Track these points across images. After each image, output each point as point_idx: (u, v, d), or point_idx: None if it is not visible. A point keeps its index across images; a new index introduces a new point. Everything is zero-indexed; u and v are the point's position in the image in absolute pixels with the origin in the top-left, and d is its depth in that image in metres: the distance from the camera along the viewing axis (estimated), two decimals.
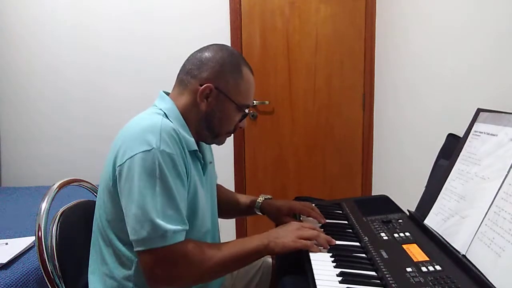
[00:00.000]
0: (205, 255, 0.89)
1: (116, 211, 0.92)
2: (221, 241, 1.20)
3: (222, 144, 1.11)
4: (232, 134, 1.11)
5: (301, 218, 1.20)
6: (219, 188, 1.34)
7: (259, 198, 1.28)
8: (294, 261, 0.97)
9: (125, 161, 0.87)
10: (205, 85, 0.98)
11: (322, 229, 1.06)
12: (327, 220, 1.16)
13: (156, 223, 0.83)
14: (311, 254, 0.92)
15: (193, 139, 0.99)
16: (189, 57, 1.05)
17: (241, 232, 2.69)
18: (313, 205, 1.24)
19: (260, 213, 1.28)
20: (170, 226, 0.84)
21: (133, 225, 0.85)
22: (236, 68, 1.01)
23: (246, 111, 1.07)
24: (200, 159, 1.04)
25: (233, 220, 2.65)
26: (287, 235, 0.95)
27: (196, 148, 1.00)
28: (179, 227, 0.86)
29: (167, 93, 1.06)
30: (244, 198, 1.33)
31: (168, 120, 0.96)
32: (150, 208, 0.84)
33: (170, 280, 0.87)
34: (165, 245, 0.84)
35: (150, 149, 0.86)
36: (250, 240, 0.94)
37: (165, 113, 0.98)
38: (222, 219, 1.25)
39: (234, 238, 2.67)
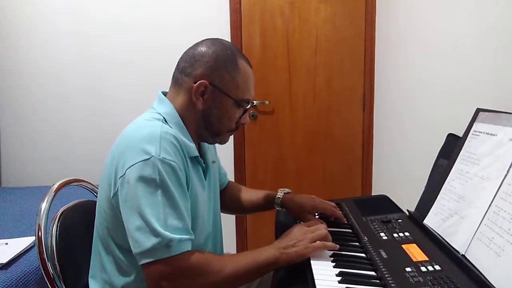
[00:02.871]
0: (215, 267, 0.85)
1: (117, 220, 0.90)
2: (222, 243, 1.19)
3: (225, 143, 1.06)
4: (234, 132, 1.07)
5: (300, 222, 1.16)
6: (232, 186, 1.31)
7: (279, 193, 1.22)
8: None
9: (124, 173, 0.85)
10: (199, 82, 0.94)
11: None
12: (327, 219, 1.16)
13: (160, 233, 0.80)
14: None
15: (193, 144, 0.96)
16: (182, 54, 1.01)
17: (241, 233, 2.68)
18: (316, 213, 1.21)
19: (279, 208, 1.23)
20: (174, 236, 0.81)
21: (137, 237, 0.81)
22: (231, 61, 0.96)
23: (247, 106, 1.02)
24: (201, 163, 1.01)
25: (233, 220, 2.65)
26: (298, 242, 0.91)
27: (197, 154, 0.97)
28: (184, 236, 0.83)
29: (165, 93, 1.03)
30: (259, 194, 1.28)
31: (168, 126, 0.92)
32: (152, 218, 0.81)
33: None
34: (171, 256, 0.81)
35: (149, 157, 0.83)
36: (261, 252, 0.90)
37: (164, 118, 0.95)
38: (225, 215, 1.24)
39: (234, 238, 2.67)
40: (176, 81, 1.00)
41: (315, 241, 0.93)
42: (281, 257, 0.89)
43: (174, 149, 0.87)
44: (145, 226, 0.81)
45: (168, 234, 0.80)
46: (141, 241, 0.81)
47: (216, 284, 0.85)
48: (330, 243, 0.92)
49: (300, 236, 0.93)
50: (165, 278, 0.81)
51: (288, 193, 1.24)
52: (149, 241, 0.80)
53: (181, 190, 0.87)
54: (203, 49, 0.97)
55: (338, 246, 0.93)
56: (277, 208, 1.24)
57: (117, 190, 0.87)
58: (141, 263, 0.82)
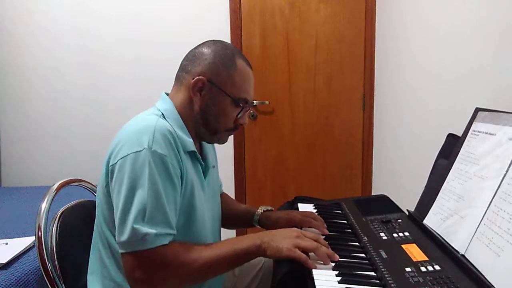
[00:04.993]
0: (190, 257, 0.86)
1: (112, 212, 0.91)
2: None
3: (223, 142, 1.07)
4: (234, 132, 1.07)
5: (302, 228, 1.12)
6: (224, 197, 1.30)
7: (259, 210, 1.21)
8: (293, 260, 0.96)
9: (117, 162, 0.87)
10: (196, 78, 0.97)
11: (325, 238, 1.01)
12: (327, 219, 1.15)
13: (134, 228, 0.82)
14: (310, 254, 0.90)
15: (191, 140, 0.98)
16: (186, 54, 1.04)
17: (241, 233, 2.67)
18: (315, 211, 1.19)
19: (258, 227, 1.20)
20: (151, 230, 0.82)
21: (117, 227, 0.85)
22: (229, 59, 0.98)
23: (246, 106, 1.02)
24: (200, 160, 1.02)
25: None
26: (284, 240, 0.88)
27: (194, 149, 0.98)
28: (162, 231, 0.84)
29: (168, 94, 1.05)
30: (245, 209, 1.26)
31: (165, 121, 0.94)
32: (132, 212, 0.83)
33: (151, 284, 0.85)
34: (146, 249, 0.82)
35: (141, 149, 0.86)
36: (241, 240, 0.90)
37: (162, 113, 0.97)
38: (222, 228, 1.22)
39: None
40: (177, 78, 1.04)
41: (301, 248, 0.87)
42: (261, 246, 0.87)
43: (167, 142, 0.89)
44: (123, 219, 0.84)
45: (144, 228, 0.82)
46: (119, 232, 0.84)
47: (189, 274, 0.86)
48: (310, 262, 0.85)
49: (290, 236, 0.89)
50: (140, 269, 0.83)
51: (268, 210, 1.21)
52: (126, 234, 0.83)
53: (170, 184, 0.88)
54: (203, 48, 1.01)
55: (316, 266, 0.86)
56: (256, 225, 1.21)
57: (109, 178, 0.90)
58: (120, 251, 0.85)
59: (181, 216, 0.93)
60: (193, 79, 0.97)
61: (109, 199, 0.92)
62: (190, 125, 1.00)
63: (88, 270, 1.03)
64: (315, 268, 0.85)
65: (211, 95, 0.98)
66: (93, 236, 1.03)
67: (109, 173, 0.90)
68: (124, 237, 0.83)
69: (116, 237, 0.86)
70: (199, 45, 1.03)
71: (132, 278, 0.84)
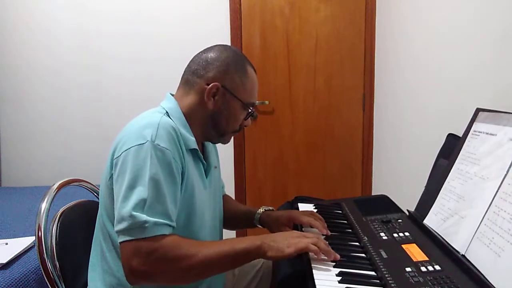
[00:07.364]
0: (188, 251, 0.85)
1: (114, 205, 0.91)
2: None
3: (227, 143, 1.11)
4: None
5: (303, 229, 1.12)
6: (226, 198, 1.31)
7: (259, 210, 1.22)
8: (293, 260, 0.96)
9: (120, 154, 0.89)
10: (212, 84, 1.00)
11: (325, 238, 1.02)
12: (327, 219, 1.15)
13: (133, 215, 0.83)
14: (310, 254, 0.91)
15: (193, 138, 1.00)
16: (193, 58, 1.07)
17: (241, 234, 2.68)
18: (315, 211, 1.20)
19: (259, 226, 1.21)
20: (150, 218, 0.83)
21: (116, 215, 0.86)
22: (241, 67, 1.04)
23: (252, 109, 1.08)
24: (201, 159, 1.04)
25: None
26: (284, 240, 0.88)
27: (196, 147, 1.00)
28: (161, 220, 0.85)
29: (173, 95, 1.07)
30: (246, 210, 1.27)
31: (169, 118, 0.96)
32: (132, 200, 0.84)
33: (146, 275, 0.84)
34: (145, 237, 0.82)
35: (144, 142, 0.88)
36: (242, 240, 0.89)
37: (167, 112, 1.00)
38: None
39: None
40: (186, 82, 1.05)
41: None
42: (261, 247, 0.87)
43: (170, 137, 0.91)
44: (124, 207, 0.84)
45: (143, 216, 0.83)
46: (119, 220, 0.85)
47: (187, 269, 0.85)
48: (313, 247, 0.88)
49: (291, 237, 0.90)
50: (136, 257, 0.83)
51: (269, 210, 1.22)
52: (126, 221, 0.83)
53: (170, 177, 0.89)
54: (215, 54, 1.04)
55: (320, 253, 0.89)
56: (257, 225, 1.22)
57: (113, 171, 0.91)
58: (119, 241, 0.85)
59: (180, 213, 0.93)
60: (206, 84, 1.01)
61: (112, 192, 0.92)
62: (195, 126, 1.02)
63: (89, 266, 1.03)
64: (320, 255, 0.88)
65: (224, 100, 1.02)
66: (94, 232, 1.04)
67: (113, 166, 0.91)
68: (123, 224, 0.83)
69: (114, 225, 0.86)
70: (208, 49, 1.06)
71: (128, 267, 0.83)
